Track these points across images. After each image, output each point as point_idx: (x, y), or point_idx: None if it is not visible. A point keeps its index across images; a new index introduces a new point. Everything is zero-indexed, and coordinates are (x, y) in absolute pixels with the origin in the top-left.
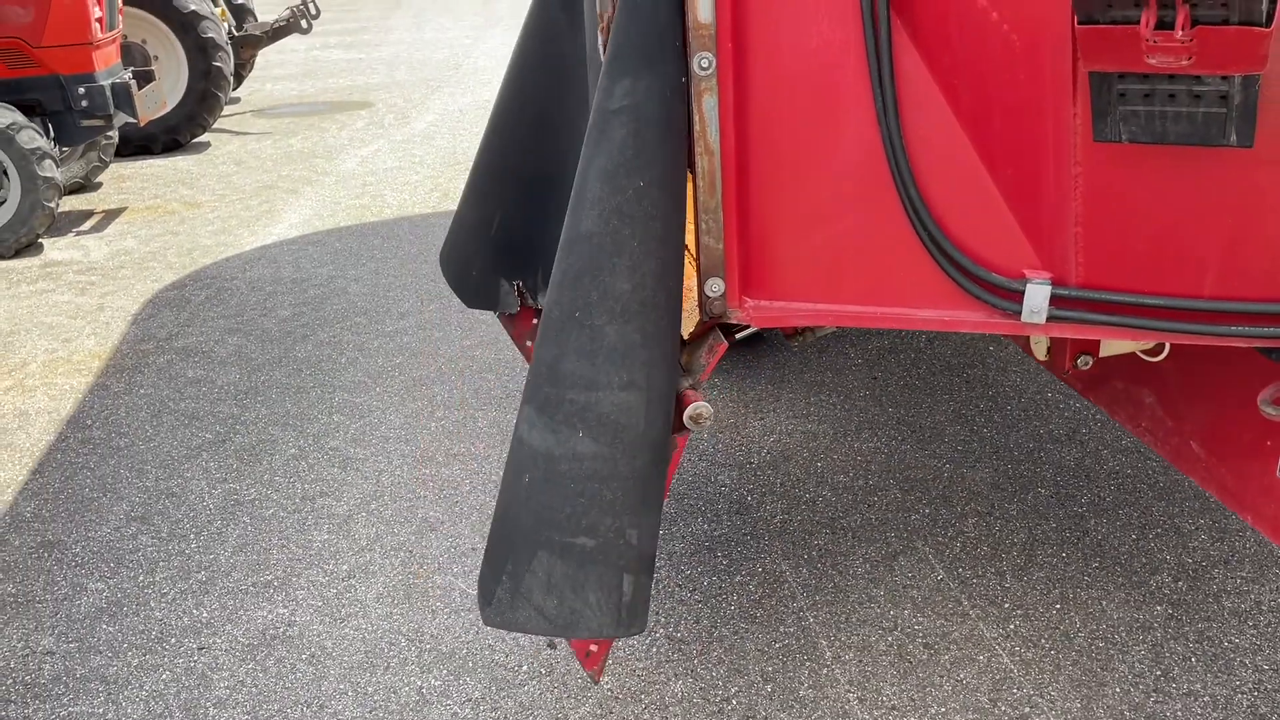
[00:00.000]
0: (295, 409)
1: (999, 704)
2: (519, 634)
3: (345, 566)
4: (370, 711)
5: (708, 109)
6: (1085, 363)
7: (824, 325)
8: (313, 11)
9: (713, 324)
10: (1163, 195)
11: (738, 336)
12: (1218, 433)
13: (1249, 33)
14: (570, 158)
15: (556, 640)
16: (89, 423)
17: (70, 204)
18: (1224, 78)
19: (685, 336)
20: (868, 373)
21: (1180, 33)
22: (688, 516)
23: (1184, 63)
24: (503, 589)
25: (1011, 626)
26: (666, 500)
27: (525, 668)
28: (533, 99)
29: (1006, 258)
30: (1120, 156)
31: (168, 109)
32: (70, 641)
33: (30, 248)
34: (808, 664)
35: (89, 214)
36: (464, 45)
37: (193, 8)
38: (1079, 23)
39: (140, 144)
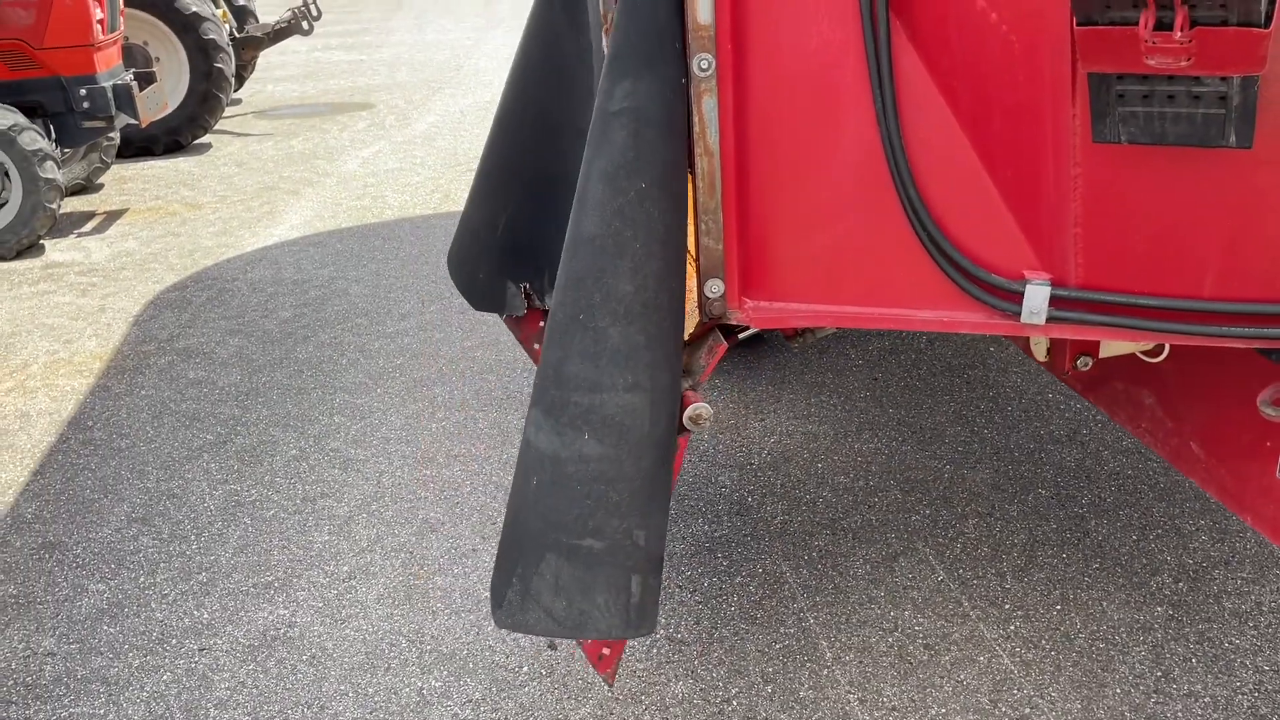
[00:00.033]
0: (296, 410)
1: (999, 705)
2: (519, 635)
3: (346, 567)
4: (371, 712)
5: (707, 110)
6: (1085, 364)
7: (824, 326)
8: (314, 13)
9: (712, 325)
10: (1162, 196)
11: (740, 337)
12: (1217, 434)
13: (1248, 33)
14: (574, 159)
15: (557, 641)
16: (90, 424)
17: (72, 205)
18: (1223, 79)
19: (685, 337)
20: (868, 374)
21: (1179, 34)
22: (688, 518)
23: (1183, 64)
24: (513, 591)
25: (1012, 627)
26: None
27: (526, 669)
28: (536, 100)
29: (1006, 259)
30: (1119, 157)
31: (169, 110)
32: (71, 642)
33: (32, 249)
34: (808, 665)
35: (90, 215)
36: (465, 47)
37: (194, 9)
38: (1078, 24)
39: (142, 145)
